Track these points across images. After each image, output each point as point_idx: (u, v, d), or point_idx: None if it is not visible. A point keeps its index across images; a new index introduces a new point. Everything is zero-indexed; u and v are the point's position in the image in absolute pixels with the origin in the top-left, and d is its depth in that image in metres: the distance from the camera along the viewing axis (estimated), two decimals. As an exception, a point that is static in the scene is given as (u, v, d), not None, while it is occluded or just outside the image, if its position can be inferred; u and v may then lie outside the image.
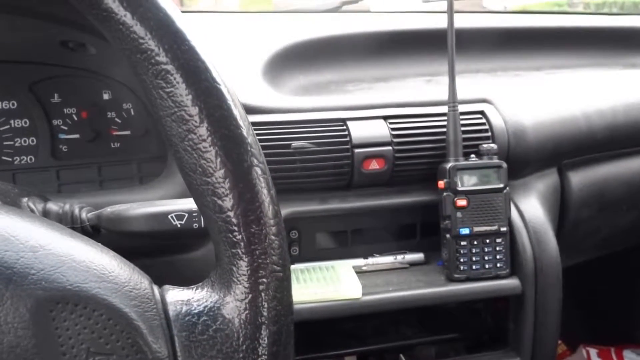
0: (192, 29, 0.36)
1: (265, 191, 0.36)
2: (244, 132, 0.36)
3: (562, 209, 0.95)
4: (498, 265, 0.82)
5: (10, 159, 0.78)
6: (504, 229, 0.81)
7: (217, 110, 0.35)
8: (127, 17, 0.34)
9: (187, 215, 0.51)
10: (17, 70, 0.77)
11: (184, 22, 0.36)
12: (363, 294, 0.77)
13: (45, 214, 0.55)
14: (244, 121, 0.36)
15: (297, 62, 0.93)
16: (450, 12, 0.80)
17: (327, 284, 0.78)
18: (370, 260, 0.85)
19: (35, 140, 0.79)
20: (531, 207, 0.87)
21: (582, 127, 0.91)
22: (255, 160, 0.36)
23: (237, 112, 0.36)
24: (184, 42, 0.35)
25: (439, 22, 0.98)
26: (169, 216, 0.51)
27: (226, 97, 0.36)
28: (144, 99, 0.80)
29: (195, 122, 0.35)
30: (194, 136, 0.35)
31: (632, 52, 1.15)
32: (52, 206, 0.56)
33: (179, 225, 0.51)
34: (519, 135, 0.85)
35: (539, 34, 1.11)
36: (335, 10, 1.16)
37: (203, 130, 0.35)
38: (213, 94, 0.35)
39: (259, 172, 0.36)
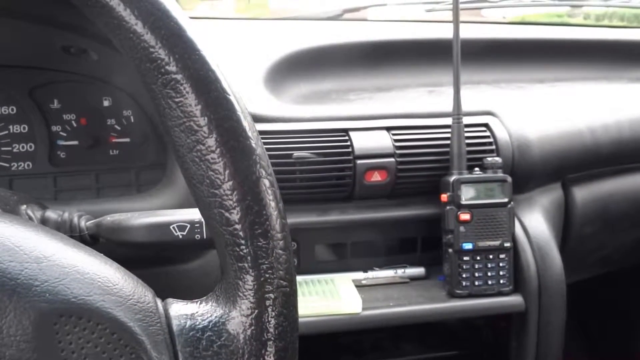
0: (202, 38, 0.36)
1: (273, 204, 0.36)
2: (253, 144, 0.36)
3: (566, 224, 0.95)
4: (501, 281, 0.82)
5: (7, 165, 0.78)
6: (507, 244, 0.82)
7: (226, 121, 0.35)
8: (138, 26, 0.35)
9: (189, 226, 0.51)
10: (17, 75, 0.78)
11: (195, 32, 0.36)
12: (363, 309, 0.77)
13: (44, 222, 0.55)
14: (253, 132, 0.36)
15: (298, 71, 0.93)
16: (456, 21, 0.81)
17: (327, 297, 0.78)
18: (370, 274, 0.85)
19: (33, 146, 0.79)
20: (535, 223, 0.87)
21: (587, 142, 0.91)
22: (263, 172, 0.36)
23: (247, 124, 0.36)
24: (195, 51, 0.35)
25: (442, 31, 0.99)
26: (171, 227, 0.51)
27: (236, 108, 0.36)
28: (144, 106, 0.80)
29: (204, 132, 0.35)
30: (203, 147, 0.35)
31: (636, 66, 1.16)
32: (51, 214, 0.56)
33: (180, 236, 0.51)
34: (523, 149, 0.85)
35: (542, 46, 1.12)
36: (336, 18, 1.17)
37: (212, 141, 0.35)
38: (223, 105, 0.35)
39: (268, 184, 0.36)
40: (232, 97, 0.36)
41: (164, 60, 0.35)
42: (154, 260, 0.70)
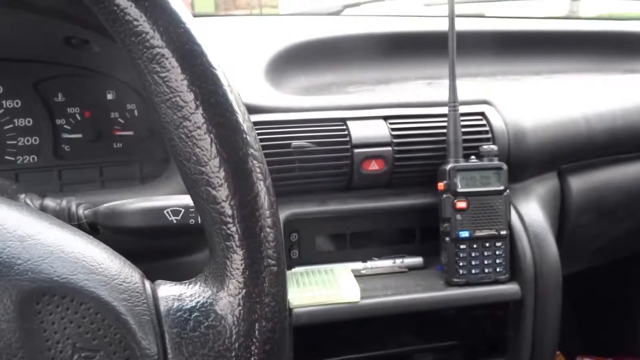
0: (188, 12, 0.34)
1: (260, 182, 0.35)
2: (240, 119, 0.34)
3: (561, 214, 0.93)
4: (497, 269, 0.80)
5: (13, 159, 0.77)
6: (503, 232, 0.80)
7: (212, 96, 0.34)
8: None
9: (183, 210, 0.49)
10: (22, 69, 0.76)
11: (179, 4, 0.34)
12: (361, 298, 0.76)
13: (42, 210, 0.54)
14: (239, 107, 0.35)
15: (298, 63, 0.91)
16: (451, 9, 0.79)
17: (326, 287, 0.77)
18: (369, 263, 0.84)
19: (38, 140, 0.78)
20: (531, 211, 0.85)
21: (582, 130, 0.89)
22: (250, 149, 0.34)
23: (233, 98, 0.34)
24: (180, 24, 0.33)
25: (440, 25, 0.97)
26: (165, 211, 0.49)
27: (222, 82, 0.34)
28: (142, 92, 0.79)
29: (191, 108, 0.33)
30: (189, 123, 0.34)
31: (631, 57, 1.13)
32: (49, 202, 0.55)
33: (174, 221, 0.49)
34: (519, 137, 0.83)
35: (538, 39, 1.10)
36: (337, 13, 1.15)
37: (198, 117, 0.33)
38: (209, 79, 0.34)
39: (254, 161, 0.35)
40: (218, 71, 0.34)
41: (149, 34, 0.33)
42: (154, 251, 0.69)
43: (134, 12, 0.33)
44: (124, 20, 0.33)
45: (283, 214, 0.77)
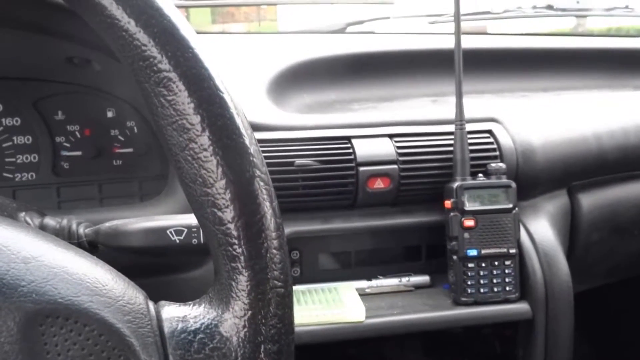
0: (196, 36, 0.35)
1: (267, 203, 0.35)
2: (247, 142, 0.35)
3: (572, 231, 0.93)
4: (507, 288, 0.80)
5: (11, 176, 0.78)
6: (513, 251, 0.80)
7: (219, 119, 0.34)
8: (130, 24, 0.34)
9: (186, 230, 0.50)
10: (22, 87, 0.78)
11: (188, 30, 0.35)
12: (367, 317, 0.76)
13: (42, 229, 0.54)
14: (246, 130, 0.35)
15: (302, 81, 0.92)
16: (457, 24, 0.80)
17: (330, 306, 0.77)
18: (374, 282, 0.84)
19: (37, 157, 0.79)
20: (541, 229, 0.85)
21: (592, 148, 0.90)
22: (257, 171, 0.35)
23: (240, 121, 0.35)
24: (188, 49, 0.34)
25: (445, 42, 0.98)
26: (168, 231, 0.50)
27: (229, 106, 0.35)
28: (147, 116, 0.80)
29: (197, 130, 0.34)
30: (195, 145, 0.34)
31: (641, 74, 1.14)
32: (50, 221, 0.55)
33: (177, 241, 0.50)
34: (527, 155, 0.84)
35: (546, 56, 1.11)
36: (341, 31, 1.17)
37: (204, 140, 0.34)
38: (216, 102, 0.34)
39: (261, 183, 0.35)
40: (225, 95, 0.35)
41: (157, 58, 0.34)
42: (154, 268, 0.69)
43: (142, 37, 0.34)
44: (132, 46, 0.34)
45: (285, 232, 0.76)
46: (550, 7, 1.22)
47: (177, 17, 0.35)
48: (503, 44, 1.13)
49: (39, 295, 0.31)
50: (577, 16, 1.38)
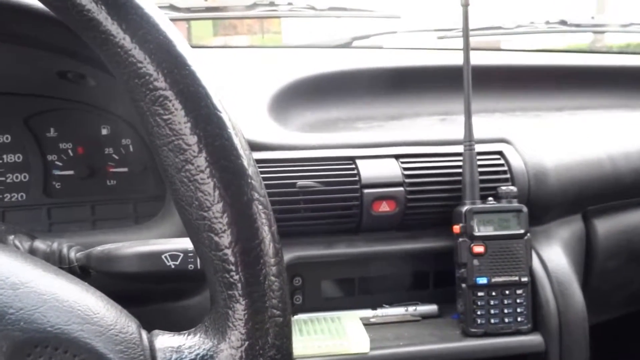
0: (193, 53, 0.36)
1: (266, 228, 0.35)
2: (245, 163, 0.35)
3: (587, 259, 0.93)
4: (519, 319, 0.80)
5: (0, 196, 0.78)
6: (525, 279, 0.80)
7: (216, 140, 0.35)
8: (125, 40, 0.35)
9: (182, 255, 0.50)
10: (12, 103, 0.78)
11: (185, 46, 0.36)
12: (371, 349, 0.76)
13: (32, 253, 0.55)
14: (244, 151, 0.36)
15: (304, 98, 0.93)
16: (466, 45, 0.81)
17: (333, 336, 0.77)
18: (379, 311, 0.84)
19: (27, 177, 0.79)
20: (554, 256, 0.85)
21: (607, 171, 0.90)
22: (255, 194, 0.35)
23: (238, 142, 0.36)
24: (185, 66, 0.35)
25: (455, 59, 0.99)
26: (163, 256, 0.50)
27: (227, 126, 0.35)
28: (143, 134, 0.80)
29: (194, 151, 0.35)
30: (192, 167, 0.35)
31: (659, 94, 1.15)
32: (40, 245, 0.56)
33: (172, 266, 0.50)
34: (540, 178, 0.84)
35: (560, 73, 1.12)
36: (346, 46, 1.18)
37: (201, 161, 0.35)
38: (213, 122, 0.35)
39: (260, 206, 0.35)
40: (223, 114, 0.35)
41: (152, 76, 0.35)
42: (149, 295, 0.69)
43: (138, 54, 0.34)
44: (128, 62, 0.35)
45: (286, 257, 0.77)
46: (564, 22, 1.24)
47: (173, 34, 0.36)
48: (515, 61, 1.14)
49: (28, 323, 0.32)
50: (592, 32, 1.40)
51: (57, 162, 0.80)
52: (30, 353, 0.31)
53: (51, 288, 0.34)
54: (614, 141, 0.94)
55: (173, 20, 0.36)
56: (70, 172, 0.80)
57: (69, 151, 0.80)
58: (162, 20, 0.36)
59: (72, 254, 0.55)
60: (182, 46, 0.36)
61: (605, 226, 0.93)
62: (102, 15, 0.35)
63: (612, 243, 0.94)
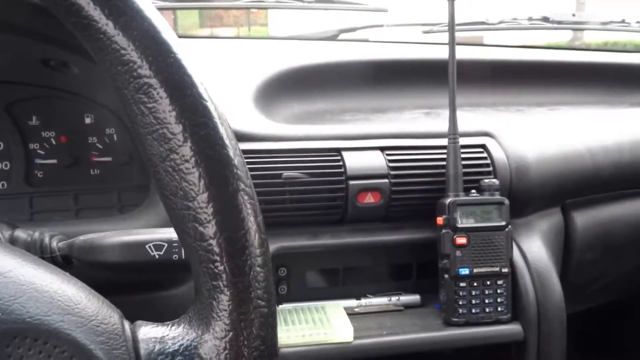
0: (179, 41, 0.35)
1: (251, 218, 0.35)
2: (230, 153, 0.34)
3: (566, 250, 0.93)
4: (499, 309, 0.80)
5: None
6: (505, 270, 0.80)
7: (202, 129, 0.34)
8: (108, 26, 0.33)
9: (166, 245, 0.49)
10: None
11: (170, 34, 0.34)
12: (355, 338, 0.76)
13: (12, 242, 0.53)
14: (230, 140, 0.35)
15: (291, 90, 0.92)
16: (452, 39, 0.80)
17: (317, 326, 0.76)
18: (363, 301, 0.84)
19: (8, 165, 0.77)
20: (534, 248, 0.85)
21: (587, 164, 0.90)
22: (241, 184, 0.34)
23: (224, 131, 0.34)
24: (170, 54, 0.34)
25: (439, 53, 0.98)
26: (147, 246, 0.49)
27: (212, 115, 0.34)
28: (128, 123, 0.79)
29: (178, 140, 0.33)
30: (176, 156, 0.34)
31: (638, 90, 1.15)
32: (20, 234, 0.54)
33: (157, 256, 0.49)
34: (521, 171, 0.84)
35: (542, 69, 1.12)
36: (333, 38, 1.17)
37: (186, 150, 0.33)
38: (199, 111, 0.34)
39: (245, 196, 0.34)
40: (209, 103, 0.34)
41: (136, 63, 0.33)
42: (132, 285, 0.68)
43: (121, 40, 0.33)
44: (111, 49, 0.33)
45: (271, 247, 0.76)
46: (546, 19, 1.24)
47: (159, 21, 0.35)
48: (498, 56, 1.14)
49: (6, 314, 0.31)
50: (573, 29, 1.40)
51: (40, 151, 0.78)
52: (9, 344, 0.30)
53: (30, 278, 0.33)
54: (593, 136, 0.95)
55: (159, 9, 0.35)
56: (53, 161, 0.78)
57: (52, 140, 0.79)
58: (147, 6, 0.34)
59: (54, 244, 0.54)
60: (167, 34, 0.34)
61: (584, 219, 0.94)
62: (83, 1, 0.33)
63: (590, 236, 0.94)
